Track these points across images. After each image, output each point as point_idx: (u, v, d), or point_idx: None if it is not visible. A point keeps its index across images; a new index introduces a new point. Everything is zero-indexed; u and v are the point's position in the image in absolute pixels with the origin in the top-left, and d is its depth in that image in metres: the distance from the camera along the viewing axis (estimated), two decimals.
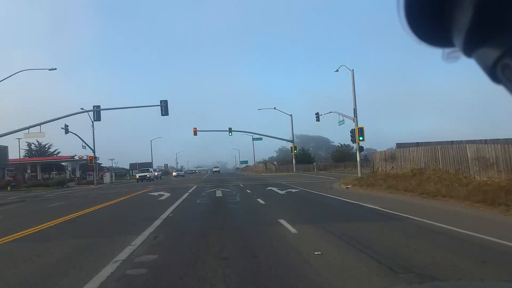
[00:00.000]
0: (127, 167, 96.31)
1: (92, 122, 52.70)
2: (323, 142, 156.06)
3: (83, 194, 28.06)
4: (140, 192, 25.49)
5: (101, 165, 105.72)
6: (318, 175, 41.26)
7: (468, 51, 0.69)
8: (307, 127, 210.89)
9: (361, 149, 29.18)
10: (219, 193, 20.36)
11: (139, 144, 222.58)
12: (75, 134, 47.85)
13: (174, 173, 78.52)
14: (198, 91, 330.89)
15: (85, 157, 76.08)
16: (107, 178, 57.26)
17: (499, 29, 0.63)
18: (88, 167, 77.61)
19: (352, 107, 29.41)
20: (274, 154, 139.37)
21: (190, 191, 23.51)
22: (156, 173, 58.57)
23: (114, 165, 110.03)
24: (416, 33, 0.71)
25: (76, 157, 78.83)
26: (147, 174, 52.71)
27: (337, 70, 33.87)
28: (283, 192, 19.90)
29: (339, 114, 33.40)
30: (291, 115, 56.46)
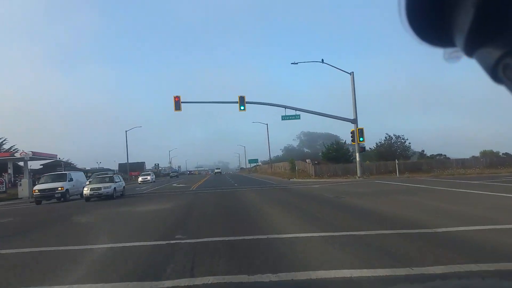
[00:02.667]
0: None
1: None
2: (332, 139, 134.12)
3: None
4: None
5: (71, 165, 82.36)
6: (475, 190, 15.87)
7: (470, 51, 0.68)
8: (313, 125, 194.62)
9: None
10: None
11: (149, 146, 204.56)
12: None
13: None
14: (205, 86, 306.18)
15: (30, 154, 51.75)
16: (23, 188, 31.82)
17: (500, 29, 0.62)
18: (51, 168, 54.40)
19: None
20: (280, 153, 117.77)
21: None
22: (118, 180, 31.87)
23: (97, 166, 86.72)
24: (417, 33, 0.70)
25: (18, 155, 53.98)
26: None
27: None
28: None
29: None
30: (351, 73, 31.09)
